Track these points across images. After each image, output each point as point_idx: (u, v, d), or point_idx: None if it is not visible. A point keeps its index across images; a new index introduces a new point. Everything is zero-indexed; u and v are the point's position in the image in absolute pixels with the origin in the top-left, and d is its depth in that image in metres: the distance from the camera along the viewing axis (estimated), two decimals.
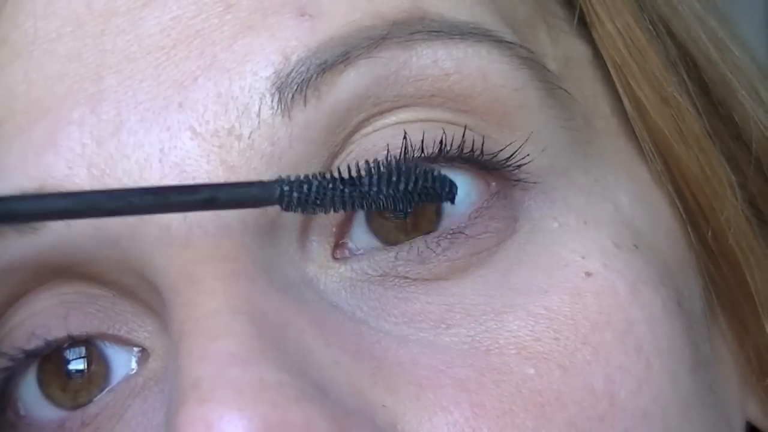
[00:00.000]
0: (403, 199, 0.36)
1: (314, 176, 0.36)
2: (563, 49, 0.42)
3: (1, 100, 0.38)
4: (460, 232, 0.38)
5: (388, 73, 0.38)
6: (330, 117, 0.37)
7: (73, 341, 0.40)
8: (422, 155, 0.38)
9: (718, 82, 0.45)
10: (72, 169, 0.37)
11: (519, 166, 0.39)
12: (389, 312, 0.38)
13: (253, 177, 0.36)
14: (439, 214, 0.39)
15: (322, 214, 0.38)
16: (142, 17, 0.38)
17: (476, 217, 0.38)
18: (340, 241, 0.39)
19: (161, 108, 0.37)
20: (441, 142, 0.38)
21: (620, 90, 0.43)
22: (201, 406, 0.33)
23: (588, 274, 0.38)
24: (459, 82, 0.38)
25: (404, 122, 0.38)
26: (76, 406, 0.40)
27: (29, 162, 0.37)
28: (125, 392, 0.39)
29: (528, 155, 0.39)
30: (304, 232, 0.38)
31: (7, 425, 0.40)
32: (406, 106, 0.38)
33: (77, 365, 0.40)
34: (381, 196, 0.36)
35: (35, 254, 0.38)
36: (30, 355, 0.39)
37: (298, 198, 0.35)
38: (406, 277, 0.38)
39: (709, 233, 0.43)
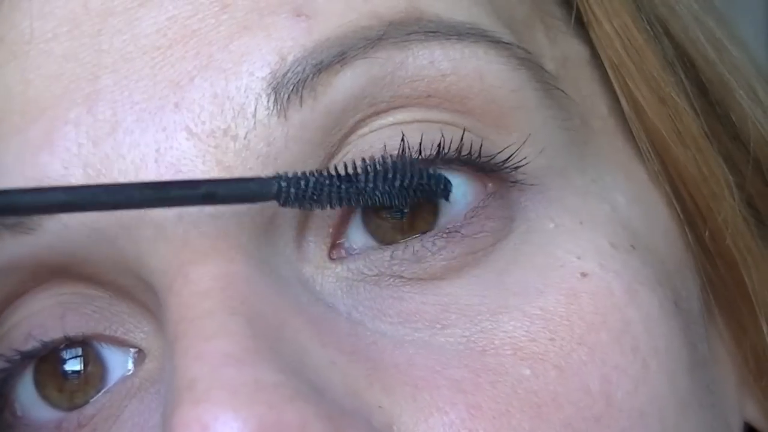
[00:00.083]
0: (399, 196, 0.37)
1: (311, 173, 0.36)
2: (561, 49, 0.42)
3: None
4: (456, 232, 0.38)
5: (384, 74, 0.37)
6: (326, 117, 0.37)
7: (70, 342, 0.40)
8: (420, 156, 0.38)
9: (716, 82, 0.45)
10: (68, 168, 0.37)
11: (516, 168, 0.39)
12: (385, 312, 0.38)
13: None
14: (436, 214, 0.39)
15: (320, 214, 0.38)
16: (138, 17, 0.38)
17: (472, 217, 0.38)
18: (337, 242, 0.39)
19: (157, 108, 0.37)
20: (439, 144, 0.38)
21: (618, 90, 0.43)
22: (196, 407, 0.33)
23: (584, 274, 0.38)
24: (456, 83, 0.38)
25: (401, 123, 0.38)
26: (73, 407, 0.40)
27: (26, 162, 0.37)
28: (122, 393, 0.39)
29: (525, 158, 0.39)
30: (301, 232, 0.38)
31: (5, 426, 0.40)
32: (402, 106, 0.38)
33: (74, 366, 0.40)
34: (377, 193, 0.36)
35: (32, 254, 0.38)
36: (26, 357, 0.39)
37: (296, 194, 0.36)
38: (402, 277, 0.38)
39: (707, 233, 0.43)
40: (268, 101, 0.37)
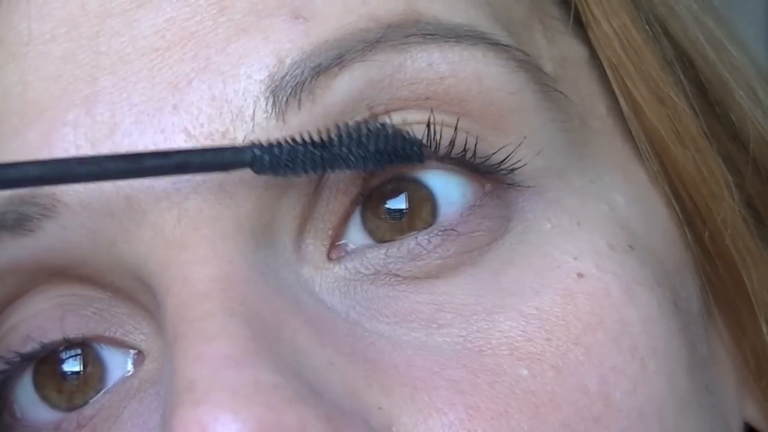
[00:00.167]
0: (373, 160, 0.36)
1: (285, 140, 0.36)
2: (559, 49, 0.42)
3: None
4: (452, 230, 0.38)
5: (382, 77, 0.37)
6: (324, 120, 0.37)
7: (69, 343, 0.40)
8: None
9: (715, 82, 0.45)
10: None
11: (512, 170, 0.39)
12: (381, 312, 0.38)
13: (247, 179, 0.36)
14: (434, 215, 0.39)
15: (320, 216, 0.38)
16: (136, 19, 0.38)
17: (468, 215, 0.38)
18: (336, 243, 0.39)
19: (155, 110, 0.37)
20: (438, 144, 0.38)
21: (616, 90, 0.43)
22: (196, 409, 0.33)
23: (580, 275, 0.38)
24: (454, 86, 0.38)
25: (399, 124, 0.38)
26: (72, 408, 0.40)
27: None
28: (121, 394, 0.39)
29: (520, 160, 0.39)
30: (300, 234, 0.38)
31: (4, 428, 0.40)
32: (400, 108, 0.38)
33: (73, 367, 0.40)
34: (351, 157, 0.36)
35: (31, 256, 0.38)
36: (26, 358, 0.39)
37: (270, 161, 0.35)
38: (397, 275, 0.38)
39: (706, 234, 0.43)
40: (266, 104, 0.37)
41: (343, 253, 0.39)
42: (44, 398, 0.40)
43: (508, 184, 0.39)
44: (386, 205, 0.39)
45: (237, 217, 0.37)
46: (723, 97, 0.45)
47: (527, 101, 0.39)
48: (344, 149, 0.36)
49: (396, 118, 0.38)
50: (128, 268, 0.37)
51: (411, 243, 0.38)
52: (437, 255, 0.38)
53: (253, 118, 0.37)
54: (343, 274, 0.38)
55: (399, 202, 0.39)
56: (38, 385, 0.40)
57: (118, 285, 0.39)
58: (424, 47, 0.38)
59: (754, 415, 0.45)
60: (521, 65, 0.39)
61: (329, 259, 0.38)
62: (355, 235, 0.39)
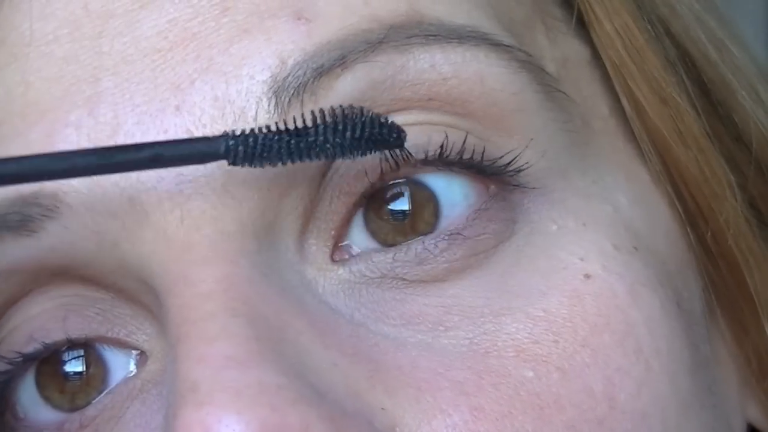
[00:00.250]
0: (351, 147, 0.36)
1: (260, 129, 0.35)
2: (561, 49, 0.42)
3: None
4: (458, 234, 0.38)
5: (384, 77, 0.37)
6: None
7: (72, 344, 0.40)
8: (423, 158, 0.38)
9: (718, 83, 0.45)
10: None
11: (518, 172, 0.39)
12: (387, 314, 0.38)
13: (251, 180, 0.36)
14: (437, 216, 0.39)
15: (323, 217, 0.38)
16: (139, 20, 0.38)
17: (474, 219, 0.38)
18: (339, 244, 0.39)
19: (158, 111, 0.37)
20: (442, 146, 0.38)
21: (619, 90, 0.43)
22: (199, 410, 0.33)
23: (587, 276, 0.38)
24: (457, 87, 0.38)
25: (402, 125, 0.38)
26: (74, 409, 0.40)
27: None
28: (123, 395, 0.39)
29: (527, 162, 0.39)
30: (303, 234, 0.38)
31: (6, 428, 0.40)
32: (403, 109, 0.38)
33: (75, 367, 0.40)
34: (328, 146, 0.35)
35: (33, 256, 0.38)
36: (28, 359, 0.39)
37: (245, 152, 0.35)
38: (404, 279, 0.38)
39: (709, 234, 0.43)
40: (268, 105, 0.37)
41: (346, 255, 0.39)
42: (46, 399, 0.40)
43: (513, 185, 0.39)
44: (389, 207, 0.39)
45: (239, 217, 0.37)
46: (725, 98, 0.45)
47: (530, 102, 0.39)
48: (321, 137, 0.35)
49: (399, 119, 0.38)
50: (131, 269, 0.37)
51: (418, 247, 0.38)
52: (444, 259, 0.38)
53: (255, 119, 0.37)
54: (348, 277, 0.38)
55: (402, 203, 0.39)
56: (41, 386, 0.40)
57: (121, 285, 0.38)
58: (427, 48, 0.38)
59: (756, 416, 0.45)
60: (523, 66, 0.39)
61: (333, 260, 0.38)
62: (358, 236, 0.39)
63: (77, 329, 0.39)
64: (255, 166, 0.35)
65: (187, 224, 0.36)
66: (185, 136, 0.37)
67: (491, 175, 0.39)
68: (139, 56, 0.37)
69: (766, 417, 0.45)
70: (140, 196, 0.37)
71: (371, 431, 0.35)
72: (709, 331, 0.43)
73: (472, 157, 0.38)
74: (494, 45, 0.38)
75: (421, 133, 0.38)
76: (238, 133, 0.35)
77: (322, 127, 0.35)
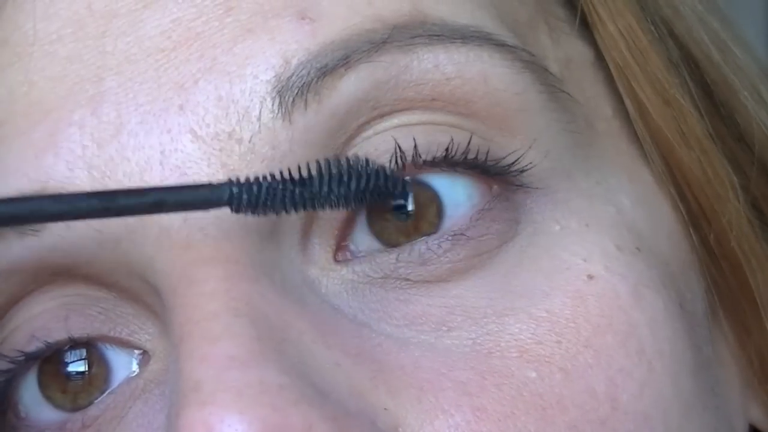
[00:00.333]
0: (355, 199, 0.36)
1: (264, 177, 0.35)
2: (564, 50, 0.42)
3: (1, 101, 0.38)
4: (462, 234, 0.38)
5: (388, 77, 0.37)
6: (330, 120, 0.37)
7: (74, 343, 0.39)
8: (427, 159, 0.38)
9: (721, 84, 0.45)
10: (72, 171, 0.37)
11: (522, 172, 0.39)
12: (390, 314, 0.38)
13: None
14: (440, 216, 0.39)
15: (325, 216, 0.38)
16: (142, 19, 0.38)
17: (477, 219, 0.38)
18: (342, 244, 0.39)
19: (161, 110, 0.37)
20: (447, 147, 0.38)
21: (622, 91, 0.43)
22: (202, 410, 0.33)
23: (590, 277, 0.38)
24: (460, 87, 0.38)
25: (406, 125, 0.38)
26: (77, 408, 0.40)
27: (29, 164, 0.37)
28: (126, 394, 0.39)
29: (531, 162, 0.39)
30: (306, 234, 0.38)
31: (8, 427, 0.40)
32: (406, 109, 0.38)
33: (77, 367, 0.40)
34: (332, 196, 0.36)
35: (35, 256, 0.38)
36: (30, 358, 0.39)
37: (248, 199, 0.35)
38: (408, 279, 0.38)
39: (711, 235, 0.43)
40: (272, 104, 0.37)
41: (349, 256, 0.39)
42: (48, 398, 0.40)
43: (516, 185, 0.39)
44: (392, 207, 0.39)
45: (242, 217, 0.37)
46: (728, 99, 0.45)
47: (533, 102, 0.39)
48: (325, 188, 0.35)
49: (402, 119, 0.38)
50: (133, 268, 0.37)
51: (421, 247, 0.38)
52: (447, 259, 0.38)
53: (259, 119, 0.37)
54: (351, 277, 0.38)
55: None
56: (42, 385, 0.40)
57: (123, 285, 0.38)
58: (430, 48, 0.38)
59: (758, 417, 0.45)
60: (527, 66, 0.39)
61: (336, 260, 0.38)
62: (361, 237, 0.39)
63: (79, 328, 0.39)
64: (258, 215, 0.35)
65: (190, 224, 0.36)
66: (189, 135, 0.37)
67: (495, 175, 0.39)
68: (143, 56, 0.37)
69: None
70: None
71: (374, 431, 0.35)
72: (711, 333, 0.43)
73: (476, 158, 0.38)
74: (498, 45, 0.38)
75: (425, 133, 0.38)
76: (242, 180, 0.35)
77: (327, 177, 0.36)
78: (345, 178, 0.36)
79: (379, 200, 0.37)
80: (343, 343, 0.36)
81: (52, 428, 0.40)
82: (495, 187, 0.39)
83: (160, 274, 0.37)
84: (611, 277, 0.38)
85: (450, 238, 0.38)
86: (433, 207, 0.39)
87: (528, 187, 0.39)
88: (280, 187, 0.35)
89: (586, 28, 0.43)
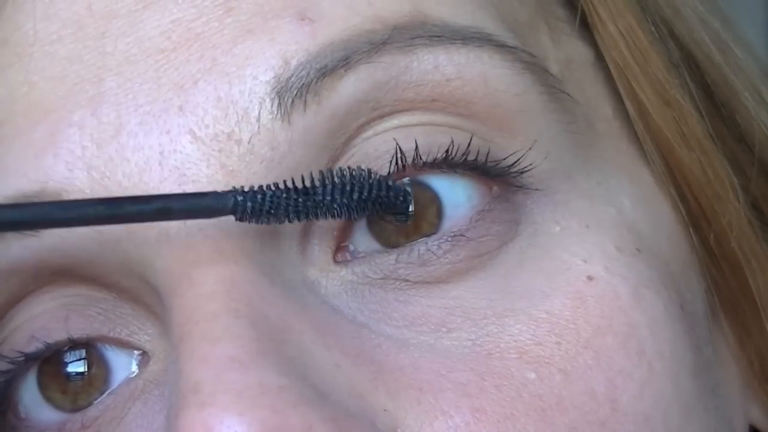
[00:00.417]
0: (357, 209, 0.36)
1: (268, 186, 0.36)
2: (565, 51, 0.42)
3: (1, 101, 0.38)
4: (461, 235, 0.38)
5: (388, 78, 0.37)
6: (330, 121, 0.37)
7: (74, 344, 0.39)
8: (427, 160, 0.38)
9: (721, 84, 0.45)
10: (72, 171, 0.37)
11: (522, 173, 0.39)
12: (390, 315, 0.38)
13: (253, 181, 0.36)
14: (440, 217, 0.39)
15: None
16: (142, 20, 0.38)
17: (477, 220, 0.38)
18: (342, 245, 0.39)
19: (161, 111, 0.37)
20: (447, 149, 0.38)
21: (622, 92, 0.43)
22: (201, 411, 0.33)
23: (590, 278, 0.38)
24: (460, 88, 0.38)
25: (406, 126, 0.38)
26: (76, 409, 0.40)
27: (29, 164, 0.37)
28: (125, 395, 0.39)
29: (531, 163, 0.39)
30: (305, 235, 0.38)
31: (8, 428, 0.40)
32: (406, 110, 0.38)
33: (77, 368, 0.40)
34: (335, 206, 0.36)
35: (35, 256, 0.38)
36: (30, 358, 0.39)
37: (252, 208, 0.35)
38: (407, 280, 0.38)
39: (711, 236, 0.43)
40: (272, 105, 0.37)
41: (348, 257, 0.39)
42: (48, 399, 0.40)
43: (516, 186, 0.39)
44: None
45: None
46: (728, 99, 0.45)
47: (533, 103, 0.39)
48: (328, 198, 0.36)
49: (402, 119, 0.38)
50: (133, 269, 0.37)
51: (421, 248, 0.38)
52: (447, 260, 0.38)
53: (258, 119, 0.37)
54: (351, 278, 0.38)
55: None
56: (42, 386, 0.40)
57: (123, 285, 0.38)
58: (430, 49, 0.38)
59: (758, 418, 0.45)
60: (527, 67, 0.39)
61: (335, 261, 0.38)
62: (361, 238, 0.39)
63: (79, 329, 0.39)
64: (262, 223, 0.36)
65: (190, 225, 0.36)
66: (188, 136, 0.37)
67: (495, 176, 0.39)
68: (143, 56, 0.37)
69: None
70: None
71: None
72: (711, 333, 0.43)
73: (476, 159, 0.38)
74: (498, 46, 0.38)
75: (425, 134, 0.38)
76: (246, 189, 0.35)
77: (330, 187, 0.36)
78: (347, 188, 0.36)
79: (380, 210, 0.37)
80: (343, 344, 0.36)
81: (52, 429, 0.40)
82: (495, 188, 0.39)
83: (160, 274, 0.37)
84: (611, 278, 0.38)
85: (450, 239, 0.38)
86: (432, 208, 0.39)
87: (528, 188, 0.39)
88: (284, 196, 0.36)
89: (586, 28, 0.43)
